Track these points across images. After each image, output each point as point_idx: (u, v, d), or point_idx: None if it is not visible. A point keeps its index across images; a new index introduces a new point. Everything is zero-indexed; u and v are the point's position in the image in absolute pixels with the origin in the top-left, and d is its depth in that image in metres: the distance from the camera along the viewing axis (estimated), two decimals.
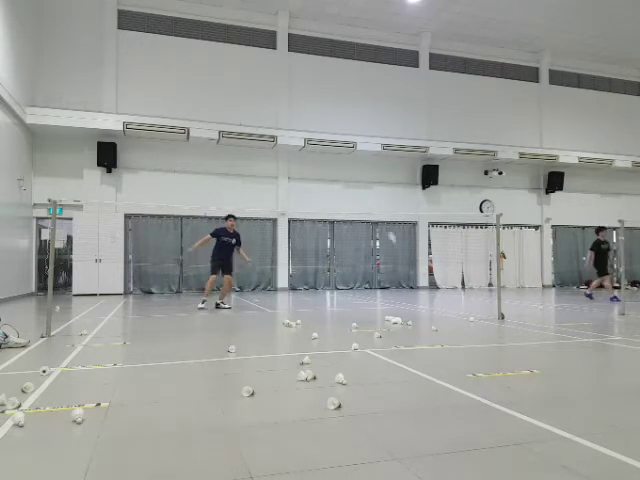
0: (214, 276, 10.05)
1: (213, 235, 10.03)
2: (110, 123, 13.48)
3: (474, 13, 15.19)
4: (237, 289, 15.17)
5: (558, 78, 18.62)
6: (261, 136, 14.69)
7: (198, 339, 6.03)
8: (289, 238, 15.80)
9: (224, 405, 3.24)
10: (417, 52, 16.94)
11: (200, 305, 9.71)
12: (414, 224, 17.15)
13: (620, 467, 2.27)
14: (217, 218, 15.13)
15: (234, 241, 10.09)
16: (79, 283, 13.36)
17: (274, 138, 14.75)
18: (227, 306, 9.88)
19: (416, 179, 17.11)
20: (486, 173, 17.77)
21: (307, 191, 15.79)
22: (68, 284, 14.89)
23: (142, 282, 14.41)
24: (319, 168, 15.99)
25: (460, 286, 17.31)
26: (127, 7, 14.19)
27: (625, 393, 3.60)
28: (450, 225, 17.39)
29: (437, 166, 16.80)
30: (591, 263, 12.08)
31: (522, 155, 17.29)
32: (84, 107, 13.49)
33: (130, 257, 14.43)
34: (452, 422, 2.91)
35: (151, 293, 14.34)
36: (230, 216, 10.13)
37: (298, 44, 15.80)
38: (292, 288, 15.77)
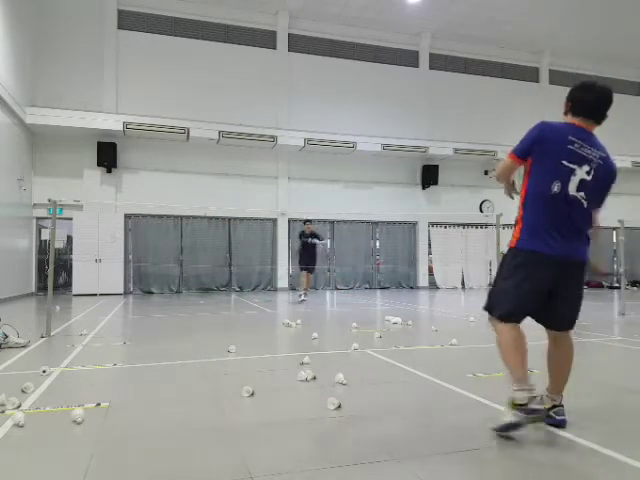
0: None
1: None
2: (110, 123, 13.48)
3: (474, 13, 15.18)
4: (237, 289, 15.18)
5: (558, 78, 18.58)
6: (261, 136, 14.69)
7: (198, 339, 6.02)
8: (289, 238, 15.78)
9: (224, 405, 3.24)
10: (417, 52, 16.93)
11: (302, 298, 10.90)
12: (414, 224, 17.15)
13: (620, 467, 2.27)
14: (217, 218, 15.17)
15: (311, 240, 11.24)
16: (79, 283, 13.34)
17: (274, 138, 14.74)
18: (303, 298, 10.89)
19: (416, 179, 17.11)
20: (486, 173, 17.75)
21: (307, 191, 15.78)
22: (68, 284, 14.89)
23: (142, 282, 14.40)
24: (319, 168, 15.99)
25: (460, 286, 17.30)
26: (127, 7, 14.18)
27: (625, 393, 3.60)
28: (450, 225, 17.38)
29: (437, 166, 16.79)
30: None
31: None
32: (84, 107, 13.47)
33: (130, 257, 14.41)
34: (452, 422, 2.91)
35: (151, 293, 14.33)
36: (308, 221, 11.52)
37: (298, 44, 15.79)
38: (292, 288, 15.74)
